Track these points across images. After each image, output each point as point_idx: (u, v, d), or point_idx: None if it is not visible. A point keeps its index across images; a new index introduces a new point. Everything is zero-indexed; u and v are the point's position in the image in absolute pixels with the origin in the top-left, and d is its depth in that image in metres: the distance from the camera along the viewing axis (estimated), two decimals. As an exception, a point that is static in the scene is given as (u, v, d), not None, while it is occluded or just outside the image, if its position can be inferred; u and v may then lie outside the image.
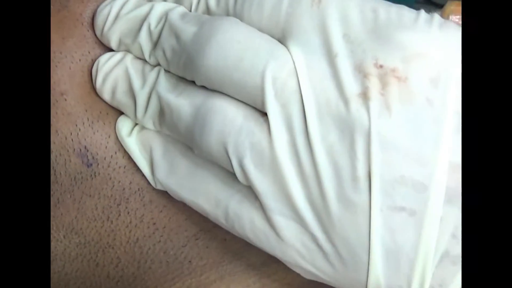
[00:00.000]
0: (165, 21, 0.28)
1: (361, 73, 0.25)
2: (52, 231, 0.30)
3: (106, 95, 0.30)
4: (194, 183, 0.28)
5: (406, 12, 0.26)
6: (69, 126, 0.30)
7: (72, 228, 0.30)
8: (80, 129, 0.30)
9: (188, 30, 0.27)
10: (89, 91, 0.30)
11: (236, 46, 0.26)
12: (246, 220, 0.27)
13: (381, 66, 0.25)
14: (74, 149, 0.30)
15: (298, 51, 0.26)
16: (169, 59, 0.28)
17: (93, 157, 0.30)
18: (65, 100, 0.30)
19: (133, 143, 0.30)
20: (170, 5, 0.29)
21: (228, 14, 0.28)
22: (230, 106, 0.27)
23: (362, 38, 0.25)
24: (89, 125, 0.30)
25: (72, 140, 0.30)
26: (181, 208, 0.30)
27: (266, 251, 0.27)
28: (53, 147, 0.30)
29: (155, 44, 0.29)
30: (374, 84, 0.25)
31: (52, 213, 0.30)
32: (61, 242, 0.31)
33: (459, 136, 0.24)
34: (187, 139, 0.28)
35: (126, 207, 0.30)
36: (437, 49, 0.25)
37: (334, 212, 0.25)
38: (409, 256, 0.25)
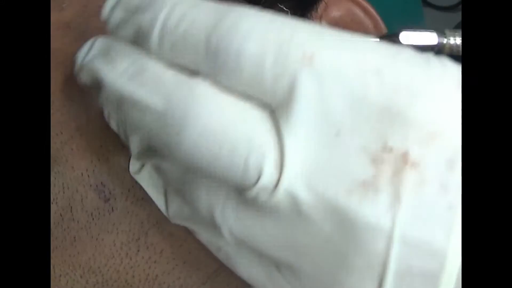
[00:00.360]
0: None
1: (367, 157, 0.22)
2: (68, 271, 0.29)
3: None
4: (198, 228, 0.27)
5: (415, 70, 0.22)
6: (85, 162, 0.29)
7: (90, 267, 0.29)
8: (96, 165, 0.29)
9: (152, 106, 0.23)
10: (105, 125, 0.30)
11: (210, 141, 0.22)
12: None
13: (391, 149, 0.22)
14: (90, 185, 0.29)
15: (290, 130, 0.22)
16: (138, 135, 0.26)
17: (110, 192, 0.29)
18: (80, 135, 0.29)
19: (145, 179, 0.28)
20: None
21: (199, 68, 0.24)
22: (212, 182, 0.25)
23: (367, 112, 0.22)
24: (105, 160, 0.29)
25: (88, 176, 0.29)
26: (201, 242, 0.30)
27: None
28: (69, 183, 0.29)
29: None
30: (383, 172, 0.22)
31: (68, 252, 0.29)
32: (77, 282, 0.30)
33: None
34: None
35: (145, 242, 0.30)
36: (456, 122, 0.22)
37: None
38: None
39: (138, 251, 0.30)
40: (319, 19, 0.32)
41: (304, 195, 0.22)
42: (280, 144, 0.22)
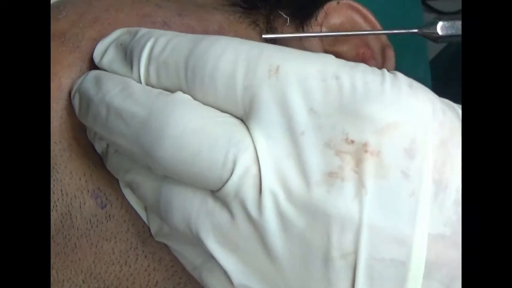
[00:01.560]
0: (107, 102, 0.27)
1: (331, 150, 0.23)
2: (71, 276, 0.30)
3: None
4: (176, 245, 0.28)
5: (370, 77, 0.24)
6: (82, 168, 0.30)
7: (91, 272, 0.30)
8: (93, 170, 0.30)
9: (136, 113, 0.25)
10: None
11: (191, 138, 0.24)
12: None
13: (352, 142, 0.23)
14: (88, 190, 0.30)
15: (260, 133, 0.24)
16: (121, 147, 0.27)
17: (106, 198, 0.30)
18: (78, 144, 0.30)
19: (129, 193, 0.29)
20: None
21: (180, 89, 0.26)
22: (187, 189, 0.25)
23: (329, 111, 0.24)
24: (101, 166, 0.30)
25: (86, 181, 0.30)
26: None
27: None
28: (68, 189, 0.30)
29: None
30: (347, 162, 0.23)
31: (70, 258, 0.30)
32: (80, 287, 0.30)
33: (436, 205, 0.23)
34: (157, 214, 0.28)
35: (143, 251, 0.30)
36: (409, 116, 0.24)
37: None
38: None
39: (137, 259, 0.30)
40: (320, 26, 0.32)
41: (277, 191, 0.23)
42: (253, 144, 0.24)
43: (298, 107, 0.24)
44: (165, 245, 0.30)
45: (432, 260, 0.23)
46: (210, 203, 0.25)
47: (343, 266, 0.23)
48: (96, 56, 0.29)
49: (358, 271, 0.23)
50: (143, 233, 0.30)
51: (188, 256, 0.27)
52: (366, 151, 0.23)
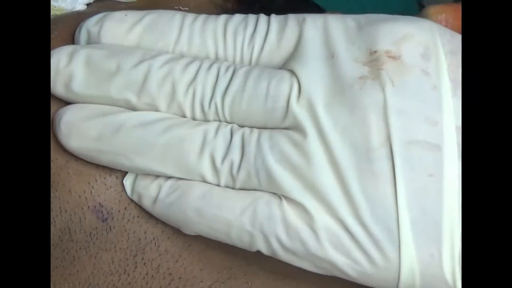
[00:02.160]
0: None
1: (358, 62, 0.27)
2: (69, 288, 0.30)
3: None
4: (214, 200, 0.28)
5: (384, 16, 0.29)
6: (82, 185, 0.30)
7: (89, 284, 0.30)
8: (93, 187, 0.30)
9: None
10: None
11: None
12: (278, 221, 0.27)
13: (375, 52, 0.27)
14: (88, 206, 0.30)
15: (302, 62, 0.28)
16: None
17: (108, 212, 0.30)
18: (76, 160, 0.30)
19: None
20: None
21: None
22: None
23: (354, 38, 0.28)
24: (102, 181, 0.30)
25: (86, 198, 0.30)
26: (196, 258, 0.31)
27: (298, 255, 0.27)
28: (67, 206, 0.30)
29: None
30: (372, 66, 0.27)
31: (68, 271, 0.30)
32: None
33: (456, 99, 0.26)
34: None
35: (143, 258, 0.31)
36: (420, 31, 0.28)
37: (358, 188, 0.26)
38: (435, 220, 0.25)
39: (136, 267, 0.31)
40: None
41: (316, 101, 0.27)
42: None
43: (334, 36, 0.28)
44: (165, 252, 0.31)
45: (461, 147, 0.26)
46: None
47: (382, 155, 0.26)
48: None
49: (395, 155, 0.26)
50: (144, 239, 0.31)
51: (233, 203, 0.28)
52: (388, 56, 0.27)
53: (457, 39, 0.29)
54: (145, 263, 0.31)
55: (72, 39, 0.31)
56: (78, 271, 0.30)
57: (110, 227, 0.30)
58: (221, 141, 0.28)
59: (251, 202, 0.27)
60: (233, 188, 0.28)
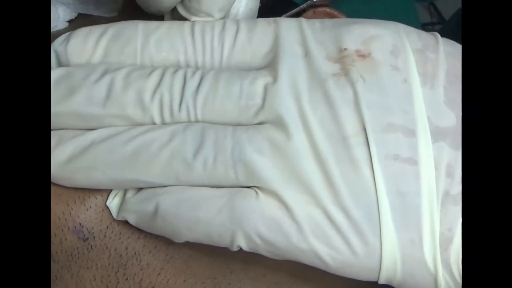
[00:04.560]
0: None
1: (331, 60, 0.28)
2: (52, 307, 0.30)
3: None
4: (191, 201, 0.28)
5: (351, 18, 0.30)
6: (61, 207, 0.29)
7: None
8: (72, 208, 0.30)
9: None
10: None
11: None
12: (256, 214, 0.27)
13: (345, 49, 0.28)
14: (69, 227, 0.30)
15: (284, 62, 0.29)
16: None
17: (89, 232, 0.30)
18: (55, 184, 0.29)
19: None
20: None
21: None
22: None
23: (322, 38, 0.29)
24: (81, 203, 0.30)
25: (65, 219, 0.29)
26: (179, 269, 0.31)
27: (279, 248, 0.27)
28: None
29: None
30: (343, 63, 0.28)
31: (50, 290, 0.30)
32: None
33: (426, 89, 0.28)
34: None
35: (124, 274, 0.31)
36: (388, 31, 0.29)
37: (338, 174, 0.26)
38: (414, 204, 0.26)
39: (118, 283, 0.31)
40: None
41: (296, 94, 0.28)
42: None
43: (299, 40, 0.29)
44: (146, 267, 0.31)
45: (434, 130, 0.27)
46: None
47: (358, 143, 0.27)
48: None
49: (371, 142, 0.27)
50: (125, 255, 0.31)
51: (209, 202, 0.28)
52: (358, 55, 0.28)
53: (424, 37, 0.29)
54: (127, 278, 0.31)
55: None
56: (60, 289, 0.30)
57: (91, 246, 0.30)
58: (191, 138, 0.27)
59: (228, 199, 0.27)
60: (209, 186, 0.28)
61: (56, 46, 0.30)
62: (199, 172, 0.27)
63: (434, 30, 0.31)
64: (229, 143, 0.27)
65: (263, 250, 0.28)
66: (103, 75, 0.28)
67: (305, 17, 0.33)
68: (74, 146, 0.28)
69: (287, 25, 0.30)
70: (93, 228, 0.30)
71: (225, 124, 0.28)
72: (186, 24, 0.30)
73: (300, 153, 0.27)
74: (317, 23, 0.30)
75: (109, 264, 0.31)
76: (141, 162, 0.27)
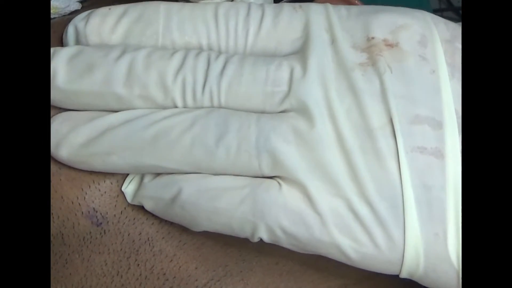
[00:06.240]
0: None
1: (357, 49, 0.28)
2: (61, 291, 0.30)
3: None
4: (212, 192, 0.27)
5: (377, 6, 0.29)
6: (75, 191, 0.29)
7: (82, 286, 0.30)
8: (86, 192, 0.29)
9: None
10: None
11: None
12: (279, 207, 0.26)
13: (372, 38, 0.28)
14: (82, 212, 0.29)
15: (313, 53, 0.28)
16: None
17: (102, 217, 0.29)
18: (68, 167, 0.28)
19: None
20: None
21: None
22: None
23: (348, 26, 0.28)
24: (96, 187, 0.29)
25: (79, 204, 0.29)
26: (191, 256, 0.31)
27: (301, 241, 0.27)
28: (59, 212, 0.28)
29: None
30: (370, 52, 0.27)
31: (60, 274, 0.29)
32: None
33: (454, 81, 0.27)
34: None
35: (136, 259, 0.30)
36: (416, 21, 0.28)
37: (363, 166, 0.26)
38: (439, 198, 0.26)
39: (129, 268, 0.30)
40: None
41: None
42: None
43: (333, 23, 0.29)
44: (159, 253, 0.30)
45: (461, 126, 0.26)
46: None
47: (384, 135, 0.26)
48: None
49: (397, 134, 0.26)
50: (138, 240, 0.30)
51: (231, 192, 0.27)
52: (386, 44, 0.27)
53: (452, 27, 0.29)
54: (138, 264, 0.30)
55: (61, 44, 0.29)
56: (70, 274, 0.30)
57: (104, 230, 0.29)
58: (214, 125, 0.26)
59: (250, 190, 0.27)
60: (230, 175, 0.27)
61: (76, 21, 0.29)
62: (221, 160, 0.26)
63: (443, 17, 0.30)
64: (254, 131, 0.26)
65: (284, 242, 0.27)
66: (123, 53, 0.27)
67: (319, 2, 0.32)
68: (91, 129, 0.27)
69: (315, 10, 0.29)
70: (107, 213, 0.29)
71: (248, 110, 0.27)
72: (209, 7, 0.29)
73: (325, 143, 0.26)
74: (343, 9, 0.29)
75: (121, 250, 0.30)
76: (161, 147, 0.27)
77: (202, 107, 0.27)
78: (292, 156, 0.26)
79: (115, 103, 0.27)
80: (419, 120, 0.26)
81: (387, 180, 0.26)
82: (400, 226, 0.26)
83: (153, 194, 0.28)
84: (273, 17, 0.29)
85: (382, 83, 0.27)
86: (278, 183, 0.27)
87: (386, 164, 0.26)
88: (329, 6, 0.29)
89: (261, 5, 0.29)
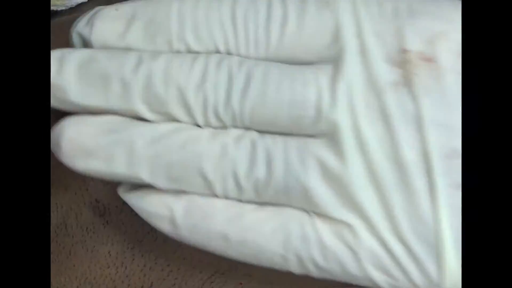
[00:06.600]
0: None
1: (390, 63, 0.25)
2: (65, 283, 0.30)
3: None
4: (240, 223, 0.26)
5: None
6: (78, 182, 0.29)
7: (86, 278, 0.30)
8: (89, 183, 0.29)
9: None
10: None
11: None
12: (313, 241, 0.25)
13: (407, 51, 0.25)
14: (85, 203, 0.29)
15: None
16: None
17: (105, 207, 0.29)
18: None
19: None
20: None
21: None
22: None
23: (380, 29, 0.26)
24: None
25: (82, 195, 0.29)
26: (195, 249, 0.31)
27: (334, 275, 0.26)
28: (63, 202, 0.29)
29: None
30: (405, 69, 0.25)
31: (64, 265, 0.29)
32: None
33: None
34: None
35: (140, 250, 0.30)
36: (452, 25, 0.25)
37: (398, 203, 0.25)
38: None
39: (133, 259, 0.30)
40: None
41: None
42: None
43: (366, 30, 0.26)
44: (163, 243, 0.30)
45: None
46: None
47: (419, 170, 0.24)
48: None
49: (434, 170, 0.24)
50: (142, 231, 0.30)
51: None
52: (422, 58, 0.25)
53: None
54: (142, 255, 0.30)
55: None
56: (74, 265, 0.30)
57: (107, 221, 0.29)
58: (243, 156, 0.25)
59: (282, 222, 0.26)
60: (256, 203, 0.26)
61: (80, 29, 0.27)
62: (249, 194, 0.26)
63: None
64: (281, 166, 0.25)
65: (315, 275, 0.26)
66: (139, 63, 0.25)
67: None
68: (115, 144, 0.25)
69: (344, 9, 0.26)
70: (109, 203, 0.29)
71: (276, 131, 0.26)
72: (225, 7, 0.27)
73: (357, 179, 0.25)
74: (374, 6, 0.26)
75: (124, 240, 0.30)
76: (188, 175, 0.25)
77: (229, 127, 0.26)
78: (322, 193, 0.25)
79: (133, 115, 0.26)
80: (457, 154, 0.24)
81: (423, 219, 0.24)
82: (438, 266, 0.25)
83: (168, 214, 0.27)
84: (296, 18, 0.26)
85: (417, 109, 0.24)
86: (309, 216, 0.26)
87: (423, 202, 0.24)
88: (358, 2, 0.26)
89: (284, 3, 0.27)
